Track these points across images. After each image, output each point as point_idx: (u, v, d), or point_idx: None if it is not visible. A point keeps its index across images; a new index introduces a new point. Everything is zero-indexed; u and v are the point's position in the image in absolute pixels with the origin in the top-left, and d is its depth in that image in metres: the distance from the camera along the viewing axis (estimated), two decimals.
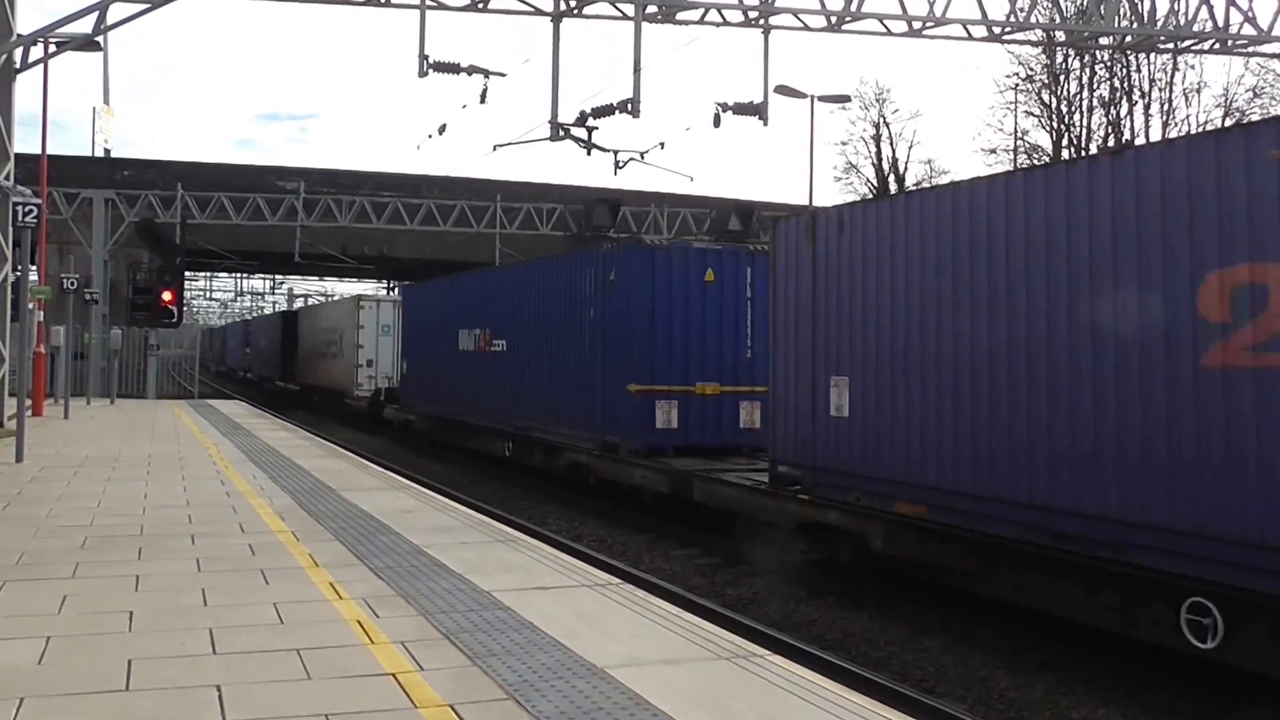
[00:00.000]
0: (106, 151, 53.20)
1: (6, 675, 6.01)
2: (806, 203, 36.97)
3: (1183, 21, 24.07)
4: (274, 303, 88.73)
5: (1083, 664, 10.06)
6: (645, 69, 21.57)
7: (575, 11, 21.94)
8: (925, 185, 58.79)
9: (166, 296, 30.68)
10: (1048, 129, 55.06)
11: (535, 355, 22.00)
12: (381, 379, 36.99)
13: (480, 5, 21.73)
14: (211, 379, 75.21)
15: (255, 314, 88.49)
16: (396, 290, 61.08)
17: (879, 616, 11.98)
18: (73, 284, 29.54)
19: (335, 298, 58.11)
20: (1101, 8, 24.37)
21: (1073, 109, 54.08)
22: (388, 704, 5.71)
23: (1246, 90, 50.37)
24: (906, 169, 63.52)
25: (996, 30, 24.11)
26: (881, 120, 63.92)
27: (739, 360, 18.51)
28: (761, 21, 22.58)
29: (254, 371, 66.66)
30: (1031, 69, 54.21)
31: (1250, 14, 24.14)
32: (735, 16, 22.55)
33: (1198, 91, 51.52)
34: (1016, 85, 54.61)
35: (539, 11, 21.92)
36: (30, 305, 21.32)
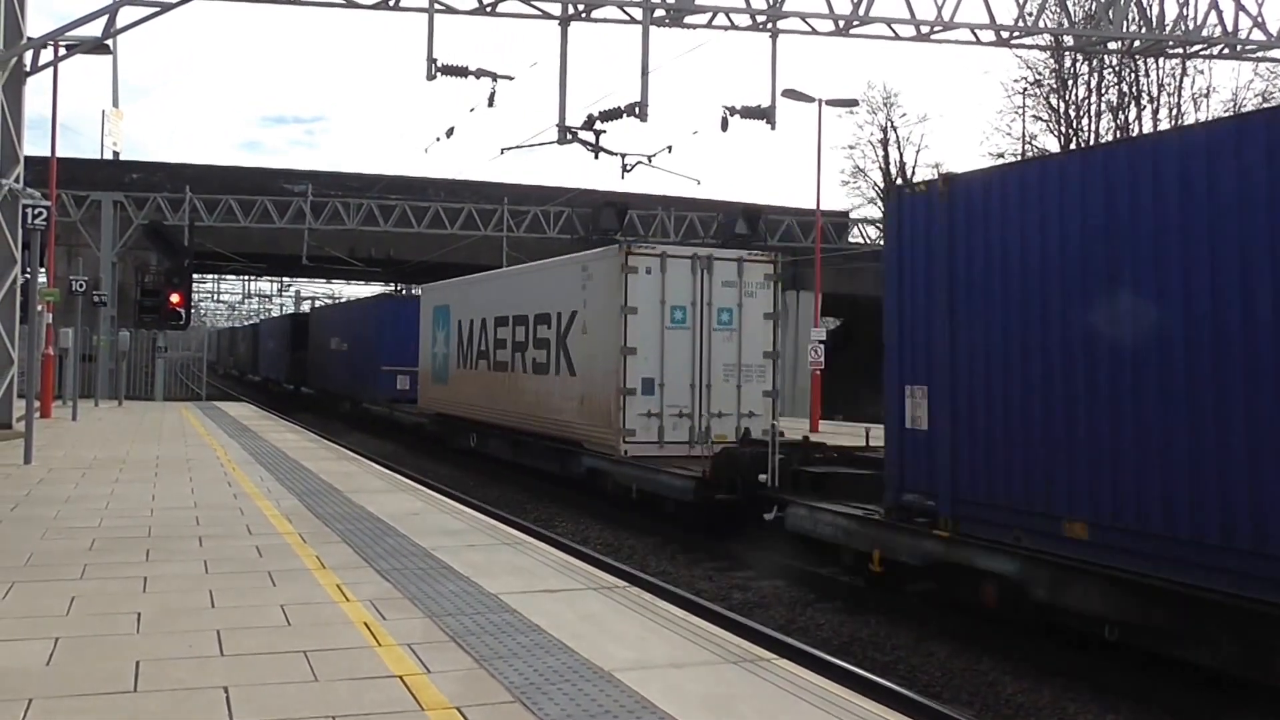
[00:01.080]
0: (115, 154, 53.46)
1: (15, 676, 6.02)
2: (814, 207, 36.97)
3: (1191, 26, 24.05)
4: (281, 304, 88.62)
5: (1090, 669, 10.04)
6: (653, 72, 21.59)
7: (583, 15, 21.98)
8: None
9: (174, 299, 30.74)
10: (1056, 133, 55.05)
11: None
12: (669, 414, 18.57)
13: (488, 9, 21.77)
14: (238, 390, 64.39)
15: (264, 316, 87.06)
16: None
17: (885, 621, 11.97)
18: (81, 286, 29.61)
19: (547, 261, 25.26)
20: (1110, 12, 24.35)
21: (1081, 113, 54.09)
22: (395, 706, 5.72)
23: (1255, 95, 50.29)
24: (914, 173, 63.56)
25: (1005, 35, 24.10)
26: (889, 124, 64.02)
27: None
28: (769, 25, 22.60)
29: (314, 384, 48.21)
30: (1040, 73, 54.25)
31: (1259, 19, 24.12)
32: (743, 20, 22.57)
33: (1206, 96, 51.45)
34: (1025, 90, 54.64)
35: (547, 15, 21.96)
36: (39, 307, 21.37)
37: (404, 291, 57.24)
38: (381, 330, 36.21)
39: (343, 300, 68.24)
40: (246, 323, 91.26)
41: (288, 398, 51.68)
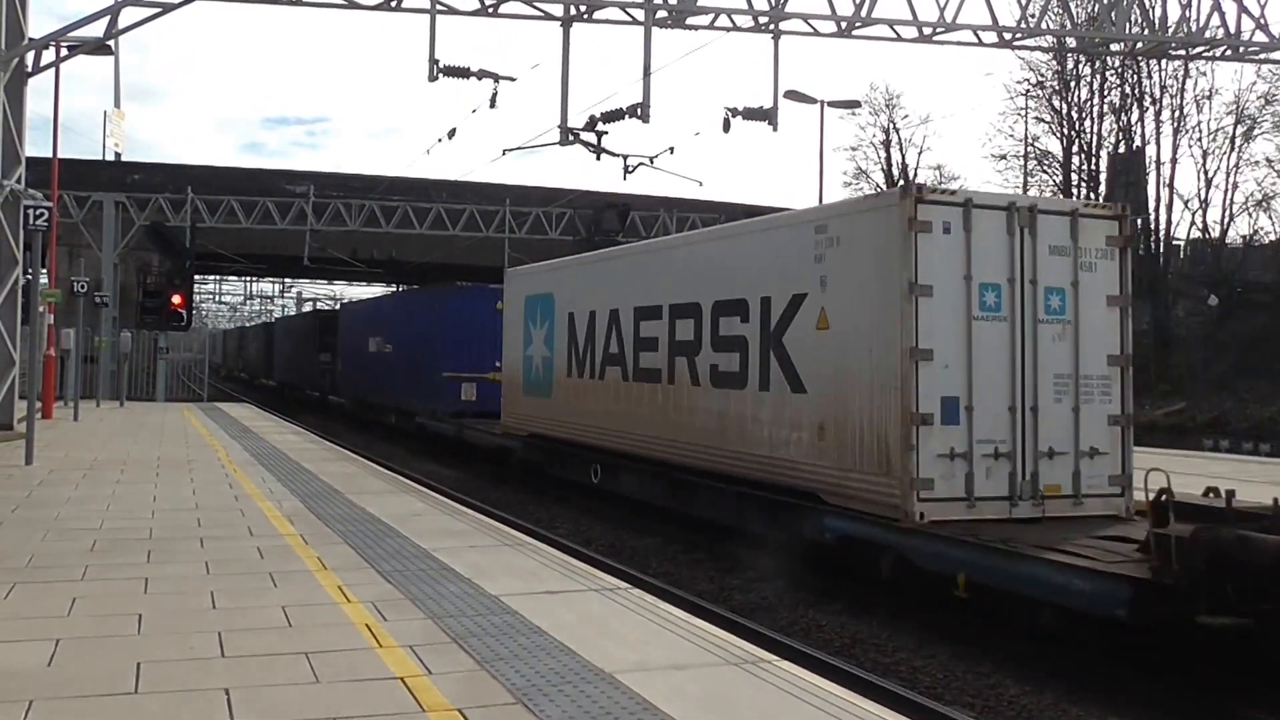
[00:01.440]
0: (117, 155, 53.45)
1: (16, 678, 6.01)
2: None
3: (1194, 28, 24.02)
4: (283, 306, 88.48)
5: (1093, 672, 10.02)
6: (655, 74, 21.57)
7: (585, 16, 21.96)
8: None
9: (176, 300, 30.71)
10: (1058, 135, 55.18)
11: None
12: (980, 454, 11.95)
13: (490, 9, 21.74)
14: (258, 399, 51.82)
15: (265, 316, 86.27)
16: None
17: (887, 623, 11.94)
18: (83, 287, 29.62)
19: (739, 225, 17.38)
20: (1112, 14, 24.33)
21: (1083, 115, 54.20)
22: (396, 708, 5.71)
23: (1258, 97, 50.36)
24: (916, 175, 63.62)
25: (1007, 36, 24.07)
26: (891, 126, 64.17)
27: None
28: (771, 27, 22.56)
29: (345, 393, 42.44)
30: (1042, 75, 54.33)
31: (1262, 20, 24.08)
32: (745, 21, 22.53)
33: (1209, 98, 51.55)
34: (1027, 91, 54.73)
35: (549, 16, 21.93)
36: (40, 308, 21.37)
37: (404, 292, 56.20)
38: (443, 327, 29.85)
39: (346, 299, 67.80)
40: (257, 321, 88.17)
41: (313, 407, 46.56)
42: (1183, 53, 26.38)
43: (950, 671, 10.34)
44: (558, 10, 21.84)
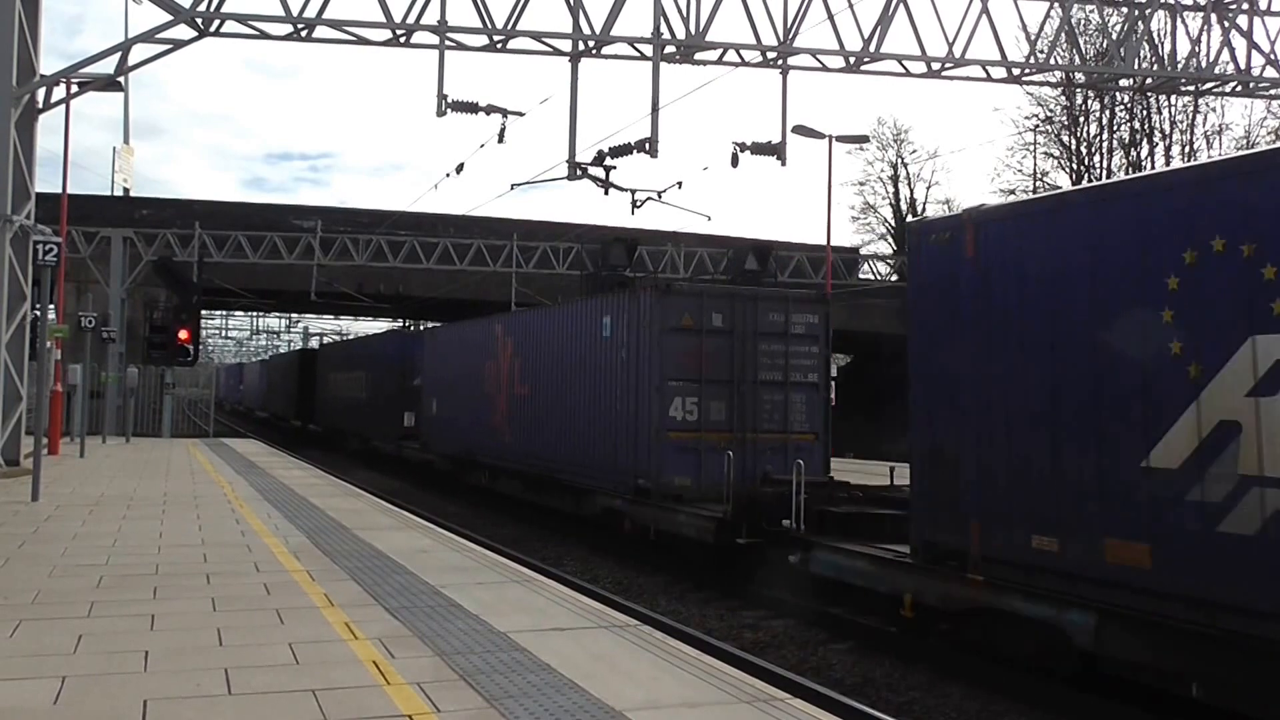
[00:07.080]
0: (125, 191, 53.57)
1: (22, 716, 5.93)
2: (824, 243, 37.00)
3: (1204, 64, 24.07)
4: (289, 341, 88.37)
5: (1106, 712, 9.89)
6: (663, 109, 21.61)
7: (593, 51, 22.03)
8: None
9: (183, 335, 30.71)
10: (1067, 170, 55.16)
11: None
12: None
13: (499, 45, 21.83)
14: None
15: (272, 353, 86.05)
16: None
17: (900, 661, 11.83)
18: (90, 322, 29.61)
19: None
20: (1121, 49, 24.37)
21: (1092, 150, 54.21)
22: None
23: (1269, 132, 50.36)
24: (924, 209, 63.71)
25: (1016, 71, 24.13)
26: (899, 160, 64.28)
27: None
28: (780, 62, 22.63)
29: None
30: (1051, 110, 54.41)
31: (1272, 56, 24.13)
32: (753, 57, 22.60)
33: (1219, 133, 51.59)
34: (1036, 126, 54.79)
35: (557, 52, 22.01)
36: (48, 344, 21.34)
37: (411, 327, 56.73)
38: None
39: (353, 334, 67.87)
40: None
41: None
42: (1192, 88, 26.42)
43: (963, 711, 10.23)
44: (566, 46, 21.92)
